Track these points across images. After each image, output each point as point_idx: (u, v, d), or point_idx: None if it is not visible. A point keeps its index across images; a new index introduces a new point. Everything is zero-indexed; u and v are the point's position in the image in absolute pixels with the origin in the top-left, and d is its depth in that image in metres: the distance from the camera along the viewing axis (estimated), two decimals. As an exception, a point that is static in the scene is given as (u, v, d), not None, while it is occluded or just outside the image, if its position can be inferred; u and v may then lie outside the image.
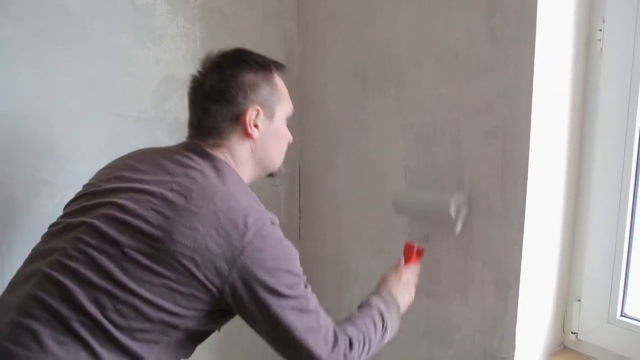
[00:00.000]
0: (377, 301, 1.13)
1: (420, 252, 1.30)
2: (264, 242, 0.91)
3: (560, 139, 1.26)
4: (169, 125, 1.55)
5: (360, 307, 1.14)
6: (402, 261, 1.27)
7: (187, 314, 0.90)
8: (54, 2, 1.33)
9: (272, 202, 1.82)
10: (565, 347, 1.38)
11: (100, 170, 1.10)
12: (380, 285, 1.21)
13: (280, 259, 0.93)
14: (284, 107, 1.10)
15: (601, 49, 1.23)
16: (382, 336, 1.10)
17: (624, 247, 1.24)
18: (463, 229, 1.33)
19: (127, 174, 1.00)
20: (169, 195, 0.92)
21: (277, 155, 1.12)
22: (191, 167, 0.98)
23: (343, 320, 1.08)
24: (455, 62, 1.32)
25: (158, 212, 0.90)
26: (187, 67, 1.56)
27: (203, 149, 1.02)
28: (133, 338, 0.88)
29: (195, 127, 1.05)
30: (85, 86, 1.40)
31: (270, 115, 1.06)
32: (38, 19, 1.32)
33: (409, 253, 1.29)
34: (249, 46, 1.66)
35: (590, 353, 1.32)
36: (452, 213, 1.29)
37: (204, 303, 0.91)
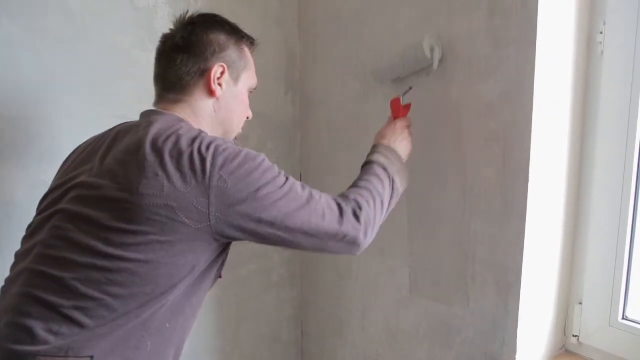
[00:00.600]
0: (376, 157, 1.15)
1: (407, 107, 1.31)
2: (225, 155, 0.89)
3: (561, 141, 1.25)
4: (170, 127, 1.55)
5: (362, 166, 1.16)
6: (392, 117, 1.29)
7: (185, 263, 0.90)
8: (56, 2, 1.34)
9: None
10: (566, 350, 1.37)
11: (68, 158, 1.12)
12: (377, 141, 1.21)
13: (247, 162, 0.91)
14: (249, 76, 1.11)
15: (602, 51, 1.22)
16: (392, 188, 1.12)
17: (625, 250, 1.23)
18: (463, 226, 1.33)
19: (88, 156, 1.01)
20: (124, 156, 0.91)
21: (236, 121, 1.11)
22: (142, 125, 0.96)
23: (347, 189, 1.08)
24: (456, 63, 1.32)
25: (117, 174, 0.89)
26: (188, 69, 1.56)
27: (159, 110, 1.01)
28: (139, 305, 0.88)
29: (160, 80, 1.05)
30: (86, 87, 1.41)
31: (235, 78, 1.07)
32: (39, 19, 1.32)
33: (396, 107, 1.30)
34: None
35: (591, 356, 1.32)
36: (427, 52, 1.31)
37: (197, 244, 0.90)
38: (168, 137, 0.91)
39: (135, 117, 1.47)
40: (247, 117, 1.15)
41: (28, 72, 1.32)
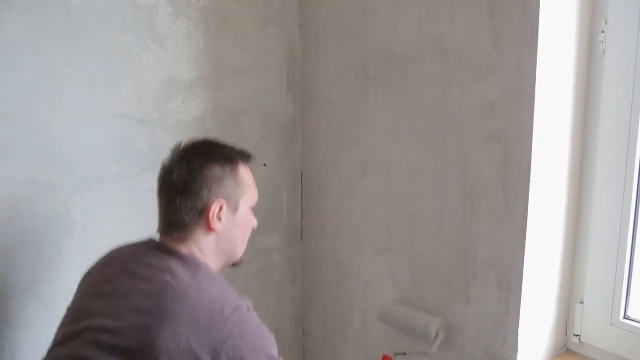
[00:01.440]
0: None
1: None
2: (243, 329, 0.96)
3: (563, 140, 1.25)
4: (171, 126, 1.55)
5: None
6: None
7: None
8: (57, 1, 1.33)
9: (273, 202, 1.82)
10: (567, 350, 1.37)
11: (80, 285, 1.15)
12: None
13: (260, 345, 0.97)
14: (248, 199, 1.14)
15: (604, 50, 1.22)
16: None
17: (627, 249, 1.23)
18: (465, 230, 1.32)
19: (103, 287, 1.06)
20: (143, 303, 0.95)
21: (240, 245, 1.16)
22: (160, 269, 1.01)
23: None
24: (457, 62, 1.31)
25: (134, 324, 0.94)
26: (189, 69, 1.56)
27: (169, 246, 1.05)
28: None
29: (163, 220, 1.09)
30: (87, 87, 1.40)
31: (233, 208, 1.10)
32: (40, 18, 1.32)
33: None
34: (252, 47, 1.68)
35: (592, 355, 1.32)
36: (431, 336, 1.37)
37: None
38: (189, 291, 0.96)
39: (137, 118, 1.48)
40: (253, 229, 1.19)
41: (29, 70, 1.32)
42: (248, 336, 0.95)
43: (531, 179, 1.19)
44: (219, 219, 1.07)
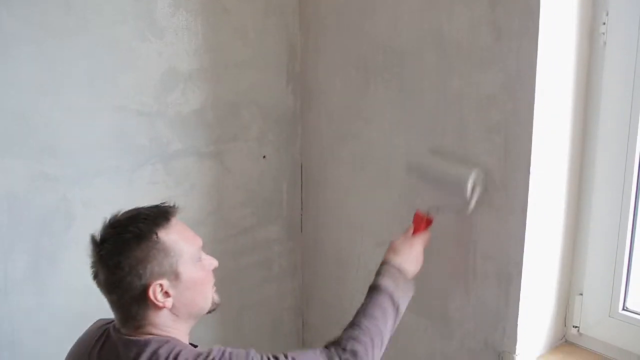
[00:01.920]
0: (385, 282, 1.15)
1: (429, 221, 1.29)
2: None
3: (563, 132, 1.25)
4: (171, 118, 1.55)
5: (370, 289, 1.16)
6: (411, 230, 1.27)
7: None
8: (55, -6, 1.33)
9: (273, 194, 1.82)
10: (567, 341, 1.38)
11: None
12: (389, 257, 1.21)
13: None
14: (185, 258, 1.01)
15: (605, 43, 1.22)
16: (396, 315, 1.14)
17: (627, 241, 1.24)
18: (467, 218, 1.32)
19: None
20: None
21: (202, 300, 1.06)
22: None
23: (350, 323, 1.10)
24: (457, 54, 1.31)
25: None
26: (189, 61, 1.56)
27: (134, 340, 0.98)
28: None
29: (116, 319, 1.03)
30: (86, 79, 1.40)
31: (175, 278, 0.99)
32: (39, 11, 1.31)
33: (418, 222, 1.29)
34: (252, 40, 1.67)
35: (591, 347, 1.33)
36: (468, 192, 1.26)
37: None
38: None
39: (137, 110, 1.47)
40: (214, 268, 1.09)
41: (28, 64, 1.32)
42: None
43: (531, 171, 1.19)
44: (166, 294, 0.98)
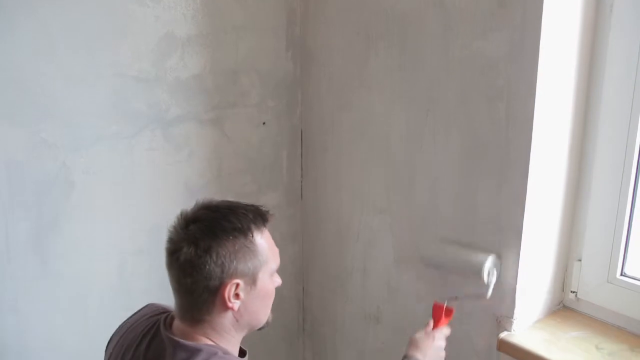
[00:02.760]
0: None
1: (449, 312, 1.26)
2: None
3: (566, 100, 1.24)
4: (170, 84, 1.53)
5: None
6: (432, 324, 1.24)
7: None
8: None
9: (273, 161, 1.81)
10: (564, 306, 1.40)
11: (107, 356, 1.10)
12: (411, 353, 1.16)
13: None
14: (269, 266, 1.01)
15: (611, 9, 1.20)
16: None
17: (627, 207, 1.24)
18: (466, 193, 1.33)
19: None
20: None
21: (263, 314, 1.04)
22: None
23: None
24: (460, 20, 1.29)
25: None
26: (187, 26, 1.53)
27: (183, 344, 0.96)
28: None
29: (177, 297, 1.00)
30: (84, 45, 1.38)
31: (252, 282, 0.98)
32: (33, -25, 1.28)
33: (438, 314, 1.25)
34: (250, 4, 1.64)
35: (589, 312, 1.35)
36: (485, 277, 1.27)
37: None
38: None
39: (135, 76, 1.45)
40: (278, 285, 1.07)
41: (24, 31, 1.29)
42: None
43: (533, 137, 1.18)
44: (237, 296, 0.96)
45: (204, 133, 1.62)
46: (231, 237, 0.94)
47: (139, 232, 1.55)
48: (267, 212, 1.02)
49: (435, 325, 1.22)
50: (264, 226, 1.00)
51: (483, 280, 1.27)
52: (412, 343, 1.18)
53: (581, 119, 1.28)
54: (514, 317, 1.29)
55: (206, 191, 1.64)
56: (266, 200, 1.82)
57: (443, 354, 1.20)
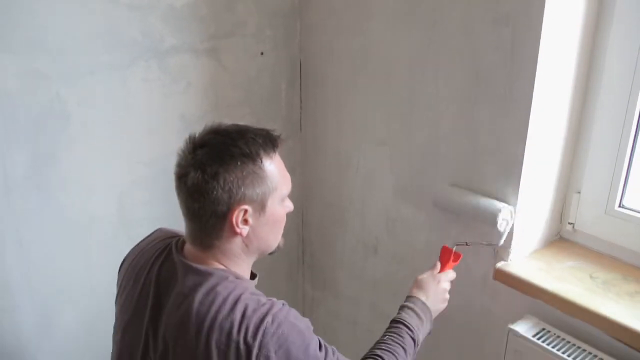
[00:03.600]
0: (409, 319, 1.12)
1: (457, 257, 1.25)
2: (272, 343, 0.89)
3: (574, 28, 1.20)
4: (164, 12, 1.47)
5: (394, 323, 1.12)
6: (439, 266, 1.23)
7: None
8: None
9: (272, 93, 1.78)
10: (561, 237, 1.41)
11: (120, 278, 1.11)
12: (415, 293, 1.17)
13: (294, 349, 0.91)
14: (278, 192, 1.00)
15: None
16: (414, 353, 1.11)
17: (629, 139, 1.23)
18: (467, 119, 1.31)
19: (138, 301, 1.02)
20: (175, 336, 0.94)
21: (273, 240, 1.05)
22: (184, 295, 0.95)
23: (373, 353, 1.06)
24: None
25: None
26: (178, -52, 1.46)
27: (193, 267, 0.97)
28: None
29: (186, 225, 1.00)
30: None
31: (261, 208, 0.97)
32: None
33: (446, 258, 1.25)
34: None
35: (585, 243, 1.36)
36: (500, 226, 1.25)
37: None
38: (212, 323, 0.90)
39: (128, 4, 1.40)
40: (289, 211, 1.07)
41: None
42: (280, 352, 0.89)
43: (538, 66, 1.15)
44: (245, 222, 0.96)
45: (201, 64, 1.58)
46: (239, 163, 0.93)
47: (137, 164, 1.55)
48: (278, 137, 1.01)
49: (442, 269, 1.23)
50: (274, 151, 0.99)
51: (497, 229, 1.25)
52: (416, 284, 1.20)
53: (588, 49, 1.24)
54: (511, 248, 1.30)
55: (204, 123, 1.60)
56: (265, 133, 1.80)
57: (447, 297, 1.21)
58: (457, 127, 1.35)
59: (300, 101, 1.86)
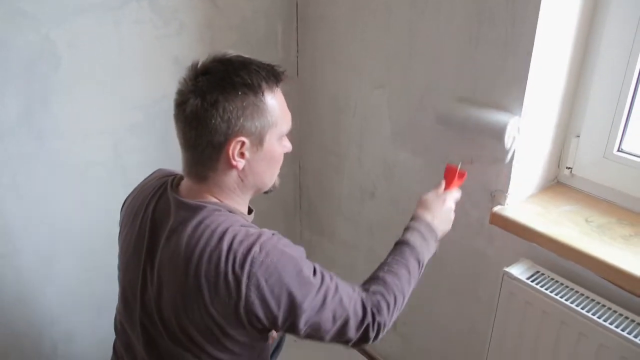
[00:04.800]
0: (413, 239, 1.10)
1: (462, 175, 1.23)
2: (261, 271, 0.90)
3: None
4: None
5: (397, 244, 1.11)
6: (443, 185, 1.21)
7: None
8: None
9: (267, 35, 1.74)
10: (558, 182, 1.41)
11: (122, 218, 1.12)
12: (420, 213, 1.15)
13: (285, 276, 0.91)
14: (277, 129, 0.98)
15: None
16: (419, 272, 1.10)
17: (632, 83, 1.20)
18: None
19: (137, 246, 1.03)
20: (166, 279, 0.96)
21: (269, 177, 1.04)
22: (174, 230, 0.96)
23: (375, 275, 1.06)
24: None
25: (170, 296, 0.95)
26: None
27: (185, 202, 0.97)
28: None
29: (183, 151, 0.98)
30: None
31: (258, 142, 0.96)
32: None
33: (451, 176, 1.22)
34: None
35: (582, 187, 1.36)
36: (507, 142, 1.20)
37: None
38: (201, 255, 0.91)
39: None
40: (288, 151, 1.05)
41: None
42: (273, 287, 0.90)
43: (541, 6, 1.11)
44: (242, 155, 0.95)
45: (194, 4, 1.53)
46: (240, 93, 0.91)
47: (131, 108, 1.52)
48: (283, 72, 0.99)
49: (447, 187, 1.22)
50: (277, 86, 0.97)
51: (504, 144, 1.20)
52: (421, 203, 1.18)
53: (594, -14, 1.20)
54: (508, 192, 1.30)
55: (199, 67, 1.59)
56: (261, 77, 1.77)
57: (452, 216, 1.20)
58: (457, 71, 1.33)
59: (297, 44, 1.82)
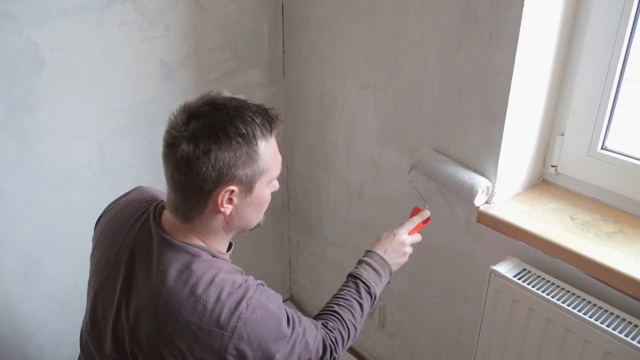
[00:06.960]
0: (365, 274, 1.16)
1: (425, 222, 1.30)
2: (246, 327, 0.91)
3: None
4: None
5: (350, 278, 1.16)
6: (407, 226, 1.27)
7: None
8: None
9: (254, 36, 1.73)
10: (544, 180, 1.42)
11: (96, 236, 1.11)
12: (373, 247, 1.22)
13: (266, 332, 0.93)
14: (268, 175, 0.97)
15: None
16: (371, 305, 1.16)
17: (614, 81, 1.22)
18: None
19: (110, 272, 1.01)
20: (144, 317, 0.94)
21: (255, 219, 1.03)
22: (157, 270, 0.94)
23: (332, 309, 1.11)
24: None
25: (141, 337, 0.94)
26: None
27: (169, 241, 0.95)
28: None
29: (169, 196, 0.96)
30: None
31: (247, 190, 0.95)
32: None
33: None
34: None
35: (567, 185, 1.37)
36: (476, 196, 1.27)
37: None
38: (185, 302, 0.90)
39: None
40: (275, 190, 1.05)
41: None
42: (251, 339, 0.91)
43: (525, 5, 1.12)
44: (230, 201, 0.94)
45: (179, 5, 1.53)
46: (234, 143, 0.89)
47: (116, 111, 1.51)
48: (277, 116, 0.97)
49: (412, 231, 1.28)
50: (270, 134, 0.95)
51: (474, 199, 1.28)
52: (380, 239, 1.24)
53: (576, -14, 1.21)
54: (495, 191, 1.31)
55: (185, 69, 1.58)
56: (248, 78, 1.77)
57: (407, 250, 1.24)
58: (442, 70, 1.33)
59: (283, 44, 1.81)
